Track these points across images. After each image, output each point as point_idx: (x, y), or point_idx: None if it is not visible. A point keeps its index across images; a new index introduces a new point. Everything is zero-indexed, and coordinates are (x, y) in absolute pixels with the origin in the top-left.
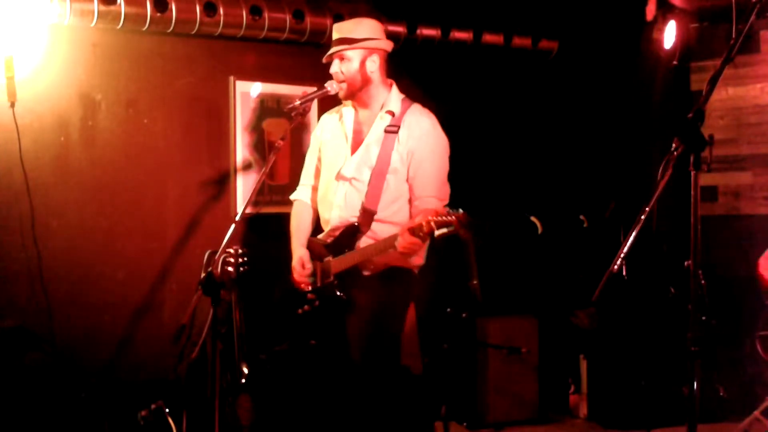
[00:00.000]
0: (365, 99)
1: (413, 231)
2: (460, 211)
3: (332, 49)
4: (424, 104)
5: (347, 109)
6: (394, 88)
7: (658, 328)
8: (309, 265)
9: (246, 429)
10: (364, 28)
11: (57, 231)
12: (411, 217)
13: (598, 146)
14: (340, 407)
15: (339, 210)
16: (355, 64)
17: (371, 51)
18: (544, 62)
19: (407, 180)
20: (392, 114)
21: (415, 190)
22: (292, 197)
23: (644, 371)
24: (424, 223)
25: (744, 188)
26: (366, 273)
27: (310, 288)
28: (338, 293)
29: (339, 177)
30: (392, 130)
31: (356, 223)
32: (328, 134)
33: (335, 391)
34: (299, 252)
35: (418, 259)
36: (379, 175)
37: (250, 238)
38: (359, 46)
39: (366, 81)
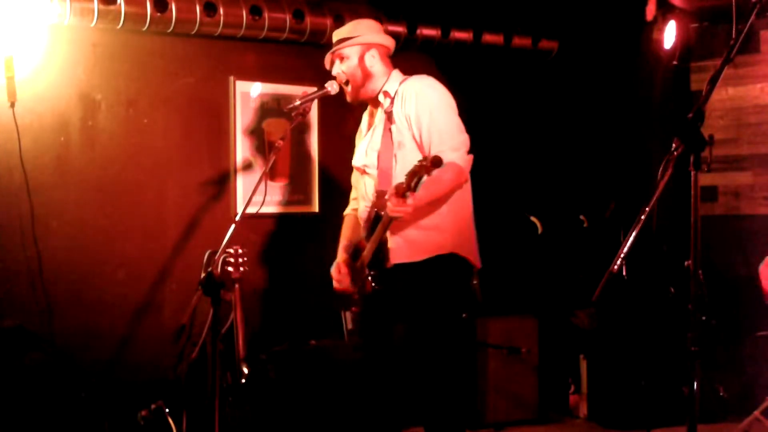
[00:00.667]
0: (370, 93)
1: (396, 191)
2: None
3: (328, 56)
4: None
5: (365, 113)
6: (394, 72)
7: (658, 328)
8: (344, 270)
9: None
10: (360, 26)
11: (57, 231)
12: None
13: (599, 146)
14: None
15: (364, 201)
16: (353, 60)
17: (369, 46)
18: (544, 62)
19: (419, 148)
20: (388, 94)
21: (427, 151)
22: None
23: (644, 371)
24: (404, 178)
25: (744, 188)
26: (397, 260)
27: (353, 286)
28: (370, 281)
29: (357, 170)
30: (389, 108)
31: (376, 209)
32: (358, 142)
33: (371, 392)
34: (338, 258)
35: (454, 237)
36: (385, 154)
37: (250, 238)
38: (355, 42)
39: (367, 76)
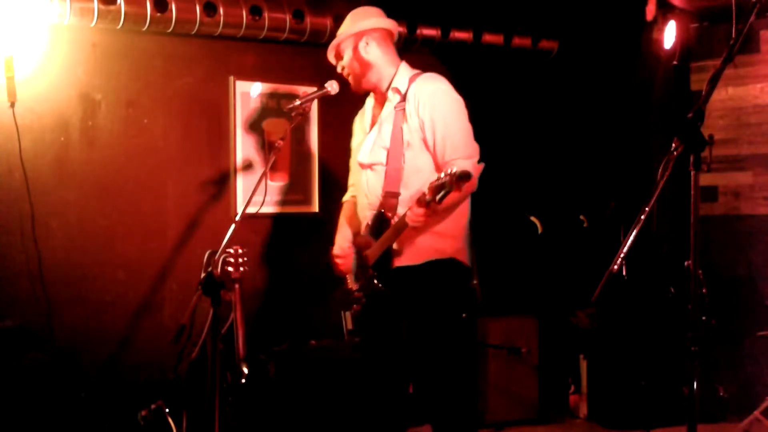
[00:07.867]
0: (374, 83)
1: (419, 201)
2: (454, 169)
3: (328, 55)
4: None
5: (368, 99)
6: (402, 65)
7: (658, 328)
8: (347, 248)
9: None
10: (353, 17)
11: (57, 231)
12: None
13: (598, 146)
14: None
15: (365, 198)
16: (349, 53)
17: (359, 35)
18: (544, 62)
19: (428, 150)
20: (398, 91)
21: (440, 158)
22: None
23: (644, 371)
24: (426, 190)
25: (744, 188)
26: (399, 263)
27: (355, 282)
28: (376, 283)
29: (361, 165)
30: (400, 106)
31: (382, 210)
32: (356, 129)
33: (380, 390)
34: (338, 242)
35: (454, 242)
36: (395, 154)
37: (250, 238)
38: (345, 36)
39: (364, 65)
